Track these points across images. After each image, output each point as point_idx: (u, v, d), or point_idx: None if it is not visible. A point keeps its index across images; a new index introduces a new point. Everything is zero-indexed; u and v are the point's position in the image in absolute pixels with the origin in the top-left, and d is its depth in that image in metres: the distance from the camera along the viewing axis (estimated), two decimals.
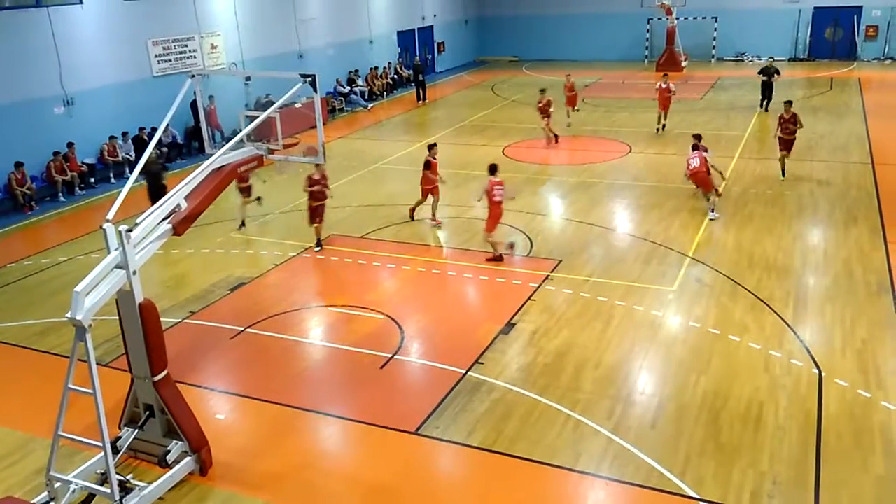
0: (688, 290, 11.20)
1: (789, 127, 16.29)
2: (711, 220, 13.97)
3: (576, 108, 23.35)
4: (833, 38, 33.21)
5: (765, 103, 23.35)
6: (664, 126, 21.15)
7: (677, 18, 32.83)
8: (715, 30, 34.30)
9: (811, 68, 31.77)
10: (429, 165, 14.26)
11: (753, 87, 27.56)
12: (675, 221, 14.05)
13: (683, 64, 32.88)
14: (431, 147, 14.48)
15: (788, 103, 16.62)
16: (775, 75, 22.98)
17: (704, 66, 33.70)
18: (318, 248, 13.28)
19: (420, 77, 28.28)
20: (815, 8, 32.90)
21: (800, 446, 7.51)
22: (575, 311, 10.61)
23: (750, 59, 34.35)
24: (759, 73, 23.47)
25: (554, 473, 7.32)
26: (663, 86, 20.80)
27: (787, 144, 16.49)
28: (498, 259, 12.40)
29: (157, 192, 14.25)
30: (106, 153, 18.95)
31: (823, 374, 8.76)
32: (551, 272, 11.97)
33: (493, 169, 12.61)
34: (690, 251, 12.61)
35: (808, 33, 33.37)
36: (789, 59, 33.78)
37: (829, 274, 11.49)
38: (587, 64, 35.47)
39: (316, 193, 13.13)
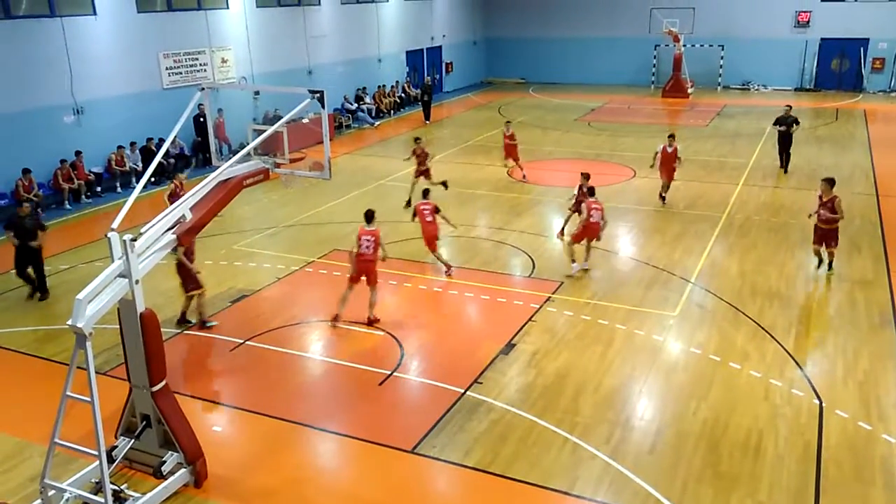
0: (689, 315, 11.18)
1: (825, 215, 12.18)
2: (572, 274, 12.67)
3: (517, 160, 19.21)
4: (839, 69, 33.39)
5: (785, 161, 19.52)
6: (664, 198, 16.75)
7: (684, 45, 33.06)
8: (721, 57, 34.52)
9: (817, 99, 31.91)
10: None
11: (759, 116, 27.75)
12: (679, 246, 14.05)
13: (690, 91, 33.06)
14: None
15: (829, 182, 12.49)
16: (794, 126, 19.02)
17: (710, 93, 33.87)
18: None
19: (426, 98, 28.43)
20: (822, 39, 33.12)
21: (799, 477, 7.46)
22: (575, 334, 10.59)
23: (756, 87, 34.55)
24: (776, 123, 19.43)
25: (550, 497, 7.26)
26: (668, 149, 16.35)
27: (822, 236, 12.31)
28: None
29: (26, 256, 11.98)
30: (113, 163, 19.06)
31: (824, 404, 8.71)
32: (553, 294, 11.96)
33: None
34: (693, 277, 12.60)
35: (815, 63, 33.56)
36: (795, 89, 33.96)
37: (832, 304, 11.47)
38: (593, 87, 35.69)
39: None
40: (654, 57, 35.78)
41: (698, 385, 9.19)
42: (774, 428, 8.27)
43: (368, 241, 10.85)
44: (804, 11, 32.96)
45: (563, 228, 14.60)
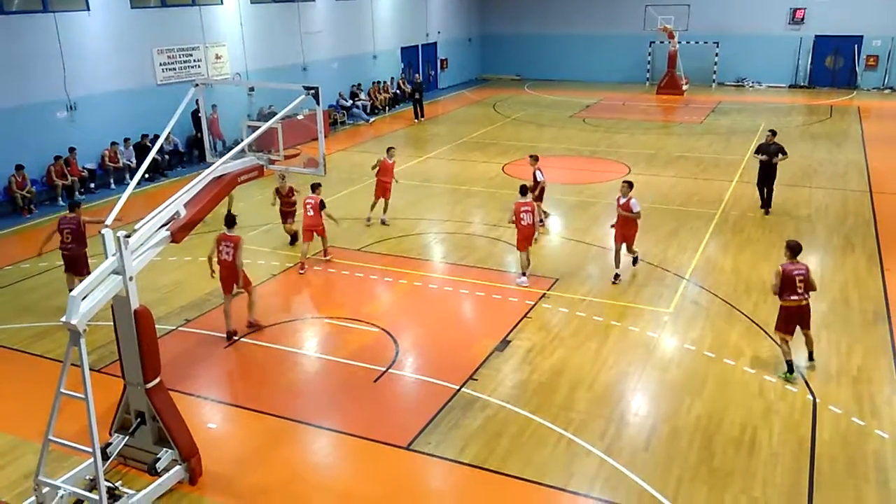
0: (684, 312, 11.20)
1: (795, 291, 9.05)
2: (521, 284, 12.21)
3: (386, 199, 15.60)
4: (833, 67, 33.47)
5: (766, 198, 15.86)
6: (634, 259, 12.66)
7: (679, 42, 33.08)
8: (716, 54, 34.56)
9: (811, 96, 32.00)
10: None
11: (753, 113, 27.81)
12: (673, 243, 14.08)
13: (684, 87, 33.10)
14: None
15: (792, 250, 9.18)
16: (779, 156, 15.45)
17: (705, 90, 33.92)
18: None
19: (417, 95, 28.17)
20: (817, 36, 33.17)
21: (793, 473, 7.49)
22: (570, 331, 10.60)
23: (751, 84, 34.60)
24: (757, 151, 15.87)
25: (545, 493, 7.28)
26: (622, 199, 12.12)
27: (792, 318, 9.18)
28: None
29: None
30: (107, 159, 18.97)
31: (818, 400, 8.75)
32: (548, 290, 11.97)
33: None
34: (687, 273, 12.62)
35: (809, 61, 33.63)
36: (790, 86, 34.03)
37: (826, 300, 11.50)
38: (589, 84, 35.70)
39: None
40: (649, 54, 35.80)
41: (693, 381, 9.22)
42: (768, 424, 8.30)
43: (228, 246, 10.25)
44: (799, 8, 33.02)
45: (541, 220, 14.13)
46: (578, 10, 36.82)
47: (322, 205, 12.89)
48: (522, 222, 12.03)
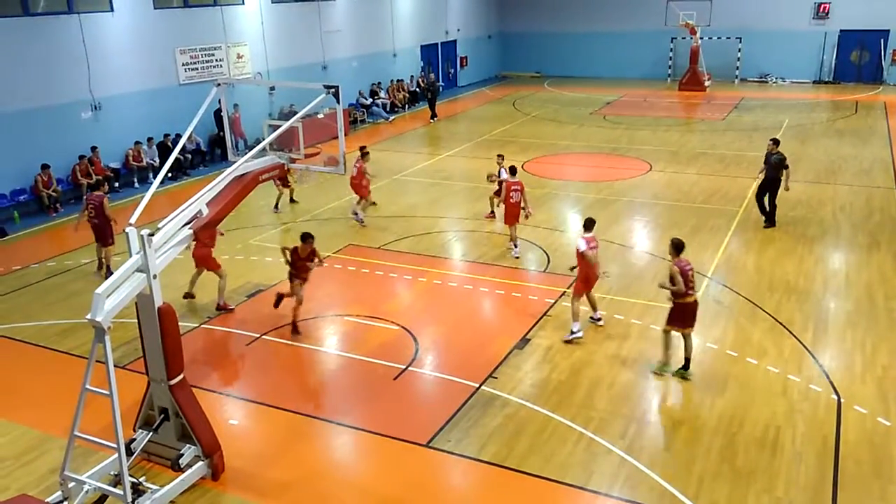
0: (706, 310, 11.08)
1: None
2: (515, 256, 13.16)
3: (368, 200, 15.65)
4: (859, 62, 32.95)
5: (769, 212, 14.60)
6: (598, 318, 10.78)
7: (701, 38, 32.77)
8: (739, 50, 34.17)
9: (836, 91, 31.53)
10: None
11: (777, 109, 27.47)
12: (695, 241, 13.95)
13: (707, 83, 32.78)
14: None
15: (676, 247, 9.18)
16: (781, 170, 14.14)
17: (728, 86, 33.57)
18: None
19: (430, 95, 27.82)
20: (842, 31, 32.67)
21: (817, 473, 7.40)
22: (591, 329, 10.55)
23: (774, 80, 34.18)
24: (765, 162, 14.52)
25: (565, 491, 7.26)
26: (589, 244, 10.28)
27: (688, 314, 9.14)
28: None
29: None
30: (131, 158, 19.21)
31: (842, 400, 8.63)
32: (567, 288, 11.90)
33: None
34: (709, 271, 12.51)
35: (834, 56, 33.13)
36: (814, 82, 33.58)
37: (851, 298, 11.34)
38: (609, 81, 35.48)
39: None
40: (671, 50, 35.49)
41: (715, 380, 9.14)
42: (792, 424, 8.20)
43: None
44: (824, 2, 32.54)
45: (492, 211, 15.33)
46: (599, 7, 36.59)
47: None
48: (511, 200, 13.03)
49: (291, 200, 16.97)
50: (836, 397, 8.69)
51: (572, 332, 10.12)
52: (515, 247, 13.36)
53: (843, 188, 17.22)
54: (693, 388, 9.00)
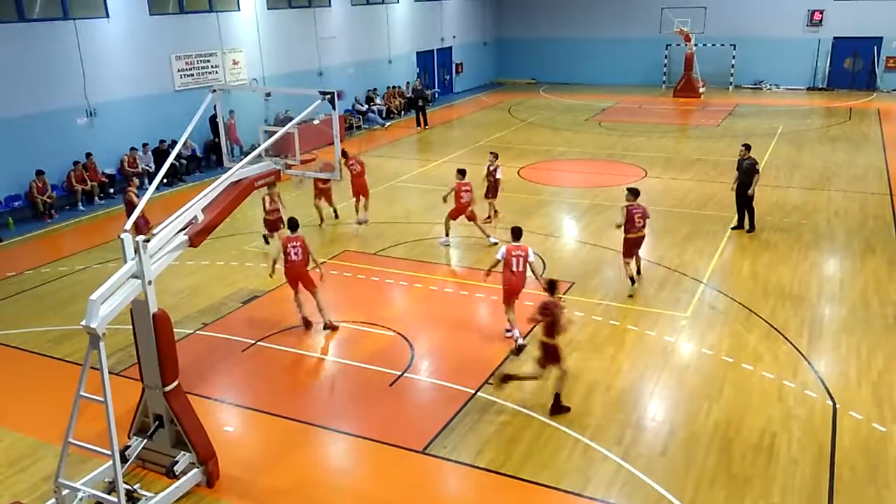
0: (701, 316, 11.12)
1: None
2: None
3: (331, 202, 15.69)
4: (853, 68, 33.12)
5: (746, 218, 14.68)
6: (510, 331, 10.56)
7: (696, 45, 32.92)
8: (733, 57, 34.33)
9: (830, 98, 31.70)
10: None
11: (771, 115, 27.59)
12: (690, 247, 13.99)
13: (701, 90, 32.92)
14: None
15: (633, 193, 10.56)
16: (755, 176, 14.34)
17: (722, 92, 33.71)
18: None
19: (421, 102, 27.61)
20: (835, 38, 32.87)
21: (812, 479, 7.40)
22: (586, 335, 10.56)
23: (769, 86, 34.35)
24: (738, 168, 14.62)
25: (562, 498, 7.25)
26: (510, 253, 10.23)
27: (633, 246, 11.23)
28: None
29: None
30: (126, 164, 19.18)
31: (838, 405, 8.65)
32: (563, 294, 11.91)
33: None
34: (705, 277, 12.53)
35: (828, 63, 33.31)
36: (808, 88, 33.75)
37: (846, 304, 11.38)
38: (605, 88, 35.61)
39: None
40: (666, 57, 35.64)
41: (710, 386, 9.14)
42: (787, 429, 8.21)
43: (295, 247, 10.52)
44: (817, 10, 32.73)
45: (488, 216, 15.62)
46: (594, 14, 36.75)
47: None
48: (462, 200, 13.91)
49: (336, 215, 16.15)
50: (831, 403, 8.71)
51: (511, 333, 10.35)
52: (447, 236, 14.33)
53: (837, 194, 17.29)
54: (689, 394, 9.01)
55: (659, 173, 19.70)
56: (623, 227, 11.72)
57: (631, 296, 11.69)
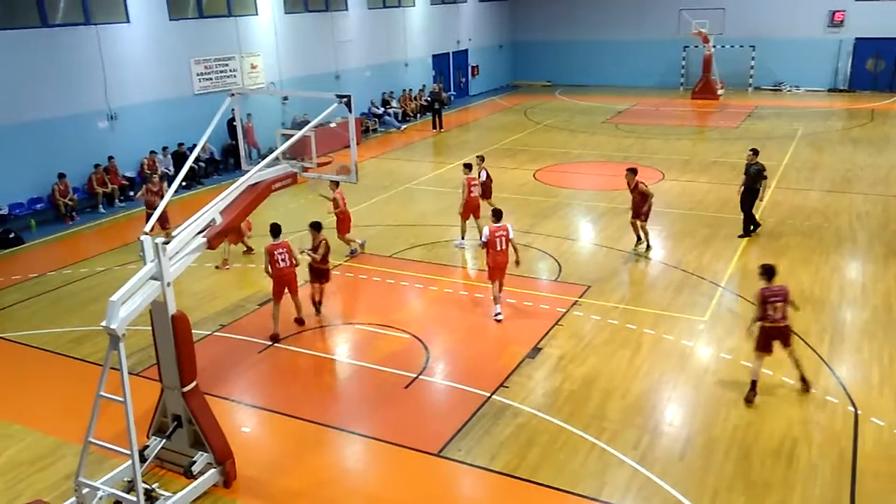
0: (720, 320, 11.03)
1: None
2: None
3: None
4: (875, 70, 32.71)
5: (749, 223, 14.53)
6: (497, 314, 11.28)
7: (714, 46, 32.68)
8: (752, 58, 34.05)
9: (851, 99, 31.33)
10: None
11: (791, 117, 27.32)
12: (708, 250, 13.88)
13: (720, 92, 32.67)
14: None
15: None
16: (762, 181, 14.04)
17: (741, 94, 33.44)
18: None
19: (437, 106, 27.68)
20: (857, 39, 32.50)
21: (833, 486, 7.31)
22: (603, 338, 10.51)
23: (788, 88, 34.02)
24: (745, 173, 14.29)
25: (577, 502, 7.21)
26: (494, 233, 11.00)
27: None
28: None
29: None
30: (146, 167, 19.36)
31: (859, 412, 8.53)
32: (580, 297, 11.88)
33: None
34: (723, 281, 12.43)
35: (849, 64, 32.93)
36: (829, 90, 33.38)
37: (868, 308, 11.23)
38: (621, 90, 35.44)
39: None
40: (683, 58, 35.42)
41: (729, 391, 9.06)
42: (808, 435, 8.12)
43: (282, 253, 10.55)
44: (839, 10, 32.38)
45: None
46: (610, 16, 36.61)
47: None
48: (472, 194, 14.17)
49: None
50: (853, 409, 8.59)
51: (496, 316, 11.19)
52: (463, 238, 14.43)
53: (858, 197, 17.08)
54: (707, 400, 8.93)
55: (676, 176, 19.57)
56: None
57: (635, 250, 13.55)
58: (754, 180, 14.07)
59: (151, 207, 14.43)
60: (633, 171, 13.69)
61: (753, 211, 14.49)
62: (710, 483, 7.39)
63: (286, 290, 10.83)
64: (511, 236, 11.04)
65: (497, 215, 11.23)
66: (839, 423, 8.34)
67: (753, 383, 8.82)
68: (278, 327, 10.77)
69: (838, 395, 8.88)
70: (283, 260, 10.58)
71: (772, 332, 8.71)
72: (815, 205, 16.40)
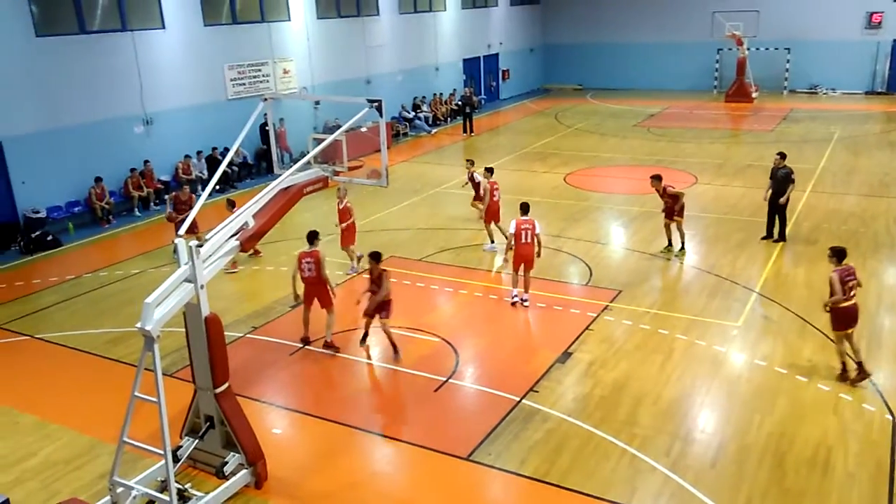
0: (754, 326, 10.86)
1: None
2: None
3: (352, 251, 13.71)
4: None
5: (777, 228, 14.25)
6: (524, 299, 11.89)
7: (748, 49, 32.23)
8: (788, 61, 33.50)
9: (890, 102, 30.64)
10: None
11: (827, 120, 26.80)
12: (742, 255, 13.67)
13: (754, 95, 32.20)
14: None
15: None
16: (787, 184, 13.82)
17: (776, 97, 32.91)
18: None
19: (468, 110, 27.76)
20: (895, 40, 31.80)
21: (870, 496, 7.14)
22: (634, 343, 10.41)
23: (824, 91, 33.40)
24: (771, 177, 14.12)
25: None
26: (520, 226, 11.57)
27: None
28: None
29: None
30: (180, 171, 19.68)
31: None
32: (610, 302, 11.79)
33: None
34: (758, 286, 12.23)
35: (888, 66, 32.22)
36: (866, 93, 32.71)
37: None
38: (654, 93, 35.12)
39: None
40: (717, 61, 34.99)
41: (763, 398, 8.91)
42: (844, 444, 7.95)
43: (309, 263, 10.27)
44: (876, 12, 31.71)
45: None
46: (643, 18, 36.32)
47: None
48: (494, 198, 14.13)
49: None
50: (890, 417, 8.39)
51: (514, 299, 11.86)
52: (492, 242, 14.43)
53: None
54: (740, 406, 8.79)
55: (710, 179, 19.33)
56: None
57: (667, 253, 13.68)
58: (783, 184, 13.84)
59: (172, 221, 14.47)
60: (657, 178, 13.74)
61: (780, 217, 14.18)
62: (743, 491, 7.27)
63: (315, 299, 10.54)
64: (538, 231, 11.53)
65: (524, 209, 11.80)
66: (876, 431, 8.15)
67: (843, 364, 9.18)
68: (308, 331, 10.82)
69: (875, 403, 8.68)
70: (308, 269, 10.29)
71: (851, 311, 9.05)
72: (852, 209, 16.07)
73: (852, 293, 9.03)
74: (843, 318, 9.05)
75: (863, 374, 9.06)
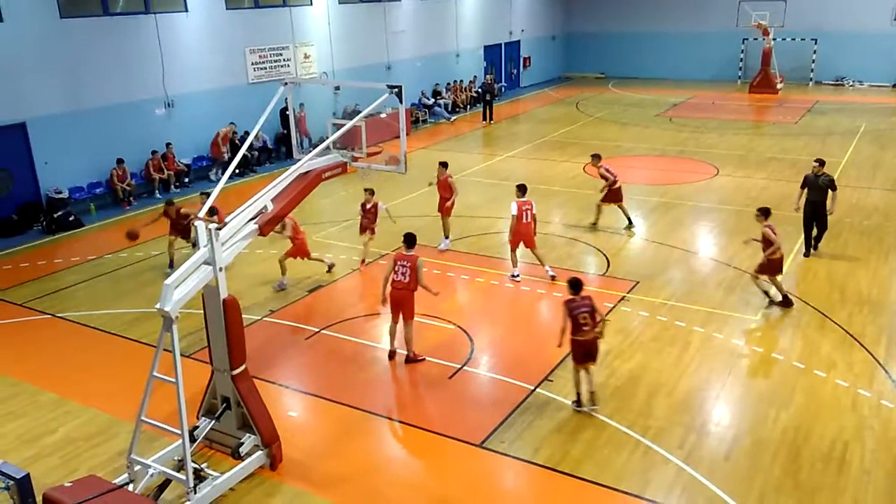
0: (772, 320, 10.76)
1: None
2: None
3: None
4: None
5: (814, 238, 13.17)
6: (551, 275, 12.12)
7: (774, 39, 31.74)
8: (814, 52, 32.98)
9: None
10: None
11: (853, 113, 26.37)
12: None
13: (779, 86, 31.75)
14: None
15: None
16: (830, 193, 12.73)
17: (801, 89, 32.43)
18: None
19: (488, 97, 27.59)
20: None
21: (886, 493, 7.08)
22: (650, 335, 10.36)
23: (851, 83, 32.85)
24: (803, 186, 13.00)
25: (620, 499, 7.15)
26: (520, 207, 12.08)
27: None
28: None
29: None
30: (220, 138, 19.66)
31: None
32: (627, 293, 11.74)
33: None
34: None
35: None
36: (893, 86, 32.12)
37: None
38: (676, 82, 34.74)
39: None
40: (742, 51, 34.52)
41: (779, 392, 8.85)
42: (861, 440, 7.88)
43: (404, 267, 9.59)
44: None
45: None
46: (666, 7, 35.89)
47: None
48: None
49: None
50: None
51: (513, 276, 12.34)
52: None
53: None
54: (756, 400, 8.74)
55: (731, 171, 19.12)
56: None
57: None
58: (823, 192, 12.67)
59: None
60: (597, 157, 15.07)
61: (821, 226, 13.02)
62: (757, 484, 7.24)
63: (400, 313, 9.71)
64: (534, 211, 12.17)
65: (522, 190, 12.29)
66: (894, 428, 8.07)
67: (766, 293, 11.15)
68: (394, 344, 10.03)
69: (894, 400, 8.58)
70: (402, 274, 9.53)
71: (780, 261, 11.04)
72: (877, 203, 15.83)
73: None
74: (777, 267, 11.00)
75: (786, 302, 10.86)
